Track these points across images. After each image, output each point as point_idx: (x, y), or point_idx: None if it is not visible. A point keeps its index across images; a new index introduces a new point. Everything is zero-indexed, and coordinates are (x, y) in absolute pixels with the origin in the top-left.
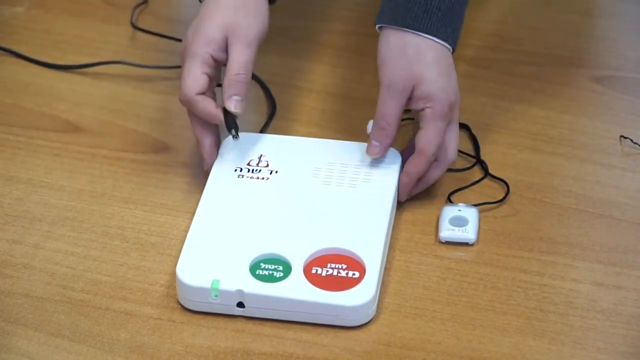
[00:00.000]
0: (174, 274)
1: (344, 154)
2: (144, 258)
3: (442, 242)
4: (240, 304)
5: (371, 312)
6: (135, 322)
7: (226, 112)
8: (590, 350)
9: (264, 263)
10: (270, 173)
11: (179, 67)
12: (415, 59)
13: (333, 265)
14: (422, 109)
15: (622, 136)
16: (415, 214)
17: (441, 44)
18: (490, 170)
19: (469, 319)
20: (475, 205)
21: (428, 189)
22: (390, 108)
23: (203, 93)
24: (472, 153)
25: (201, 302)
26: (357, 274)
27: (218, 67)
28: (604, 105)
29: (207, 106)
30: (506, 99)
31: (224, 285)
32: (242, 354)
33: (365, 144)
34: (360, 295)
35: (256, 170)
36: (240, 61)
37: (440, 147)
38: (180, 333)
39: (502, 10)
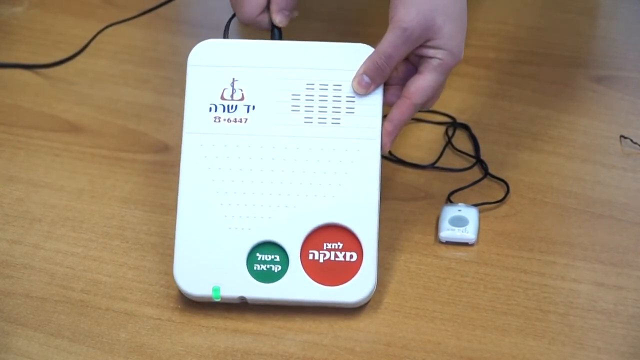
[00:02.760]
0: (173, 274)
1: (320, 65)
2: (144, 258)
3: (442, 242)
4: (243, 298)
5: (371, 294)
6: (135, 322)
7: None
8: (590, 350)
9: (260, 253)
10: (248, 111)
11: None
12: (440, 8)
13: (329, 246)
14: (431, 57)
15: (622, 136)
16: (415, 214)
17: None
18: (490, 170)
19: (469, 319)
20: (475, 205)
21: (428, 189)
22: (397, 52)
23: (262, 11)
24: (472, 153)
25: (203, 301)
26: (354, 256)
27: None
28: (604, 105)
29: (265, 25)
30: (506, 99)
31: (225, 292)
32: (242, 354)
33: (337, 46)
34: (360, 290)
35: (232, 107)
36: None
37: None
38: (180, 333)
39: (502, 10)
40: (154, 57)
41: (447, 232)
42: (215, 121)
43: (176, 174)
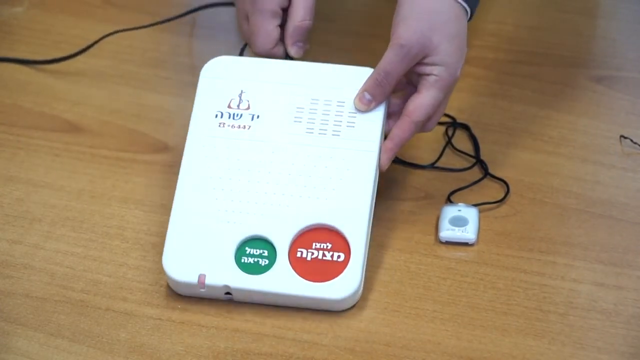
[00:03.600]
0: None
1: (326, 83)
2: (144, 258)
3: (442, 242)
4: (228, 293)
5: (357, 298)
6: (135, 322)
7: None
8: (590, 350)
9: (249, 247)
10: (252, 119)
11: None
12: (438, 27)
13: (318, 246)
14: (428, 74)
15: (622, 136)
16: (415, 214)
17: (464, 7)
18: (490, 170)
19: (469, 319)
20: (475, 205)
21: (428, 189)
22: (396, 68)
23: (277, 44)
24: (472, 153)
25: (189, 291)
26: (342, 256)
27: (284, 13)
28: (604, 105)
29: (281, 56)
30: (506, 99)
31: (211, 280)
32: (242, 354)
33: (344, 68)
34: (345, 286)
35: (237, 115)
36: (306, 6)
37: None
38: (180, 333)
39: (502, 10)
40: (155, 57)
41: (447, 232)
42: (219, 126)
43: (176, 173)
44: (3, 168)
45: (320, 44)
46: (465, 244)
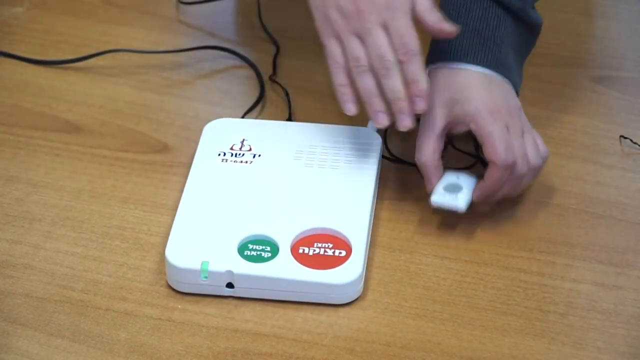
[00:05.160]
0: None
1: (324, 137)
2: (144, 258)
3: (434, 207)
4: (230, 285)
5: (358, 290)
6: (135, 322)
7: None
8: (590, 350)
9: (252, 244)
10: (253, 157)
11: (176, 51)
12: (443, 88)
13: (319, 245)
14: (469, 123)
15: (622, 136)
16: (415, 214)
17: (470, 69)
18: None
19: (469, 319)
20: (477, 177)
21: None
22: (423, 140)
23: None
24: (473, 152)
25: (190, 283)
26: (343, 253)
27: None
28: (604, 105)
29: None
30: None
31: (213, 267)
32: (242, 354)
33: (344, 127)
34: (347, 273)
35: (239, 154)
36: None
37: (519, 157)
38: (180, 333)
39: None
40: (154, 57)
41: (438, 196)
42: (222, 162)
43: (176, 174)
44: (3, 168)
45: (321, 44)
46: (455, 213)
